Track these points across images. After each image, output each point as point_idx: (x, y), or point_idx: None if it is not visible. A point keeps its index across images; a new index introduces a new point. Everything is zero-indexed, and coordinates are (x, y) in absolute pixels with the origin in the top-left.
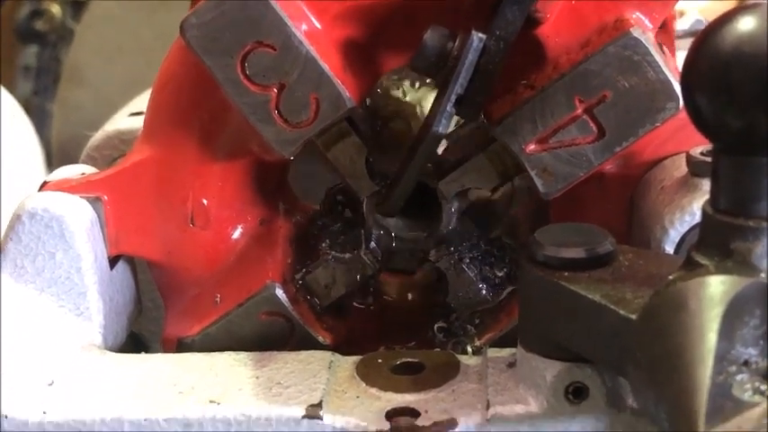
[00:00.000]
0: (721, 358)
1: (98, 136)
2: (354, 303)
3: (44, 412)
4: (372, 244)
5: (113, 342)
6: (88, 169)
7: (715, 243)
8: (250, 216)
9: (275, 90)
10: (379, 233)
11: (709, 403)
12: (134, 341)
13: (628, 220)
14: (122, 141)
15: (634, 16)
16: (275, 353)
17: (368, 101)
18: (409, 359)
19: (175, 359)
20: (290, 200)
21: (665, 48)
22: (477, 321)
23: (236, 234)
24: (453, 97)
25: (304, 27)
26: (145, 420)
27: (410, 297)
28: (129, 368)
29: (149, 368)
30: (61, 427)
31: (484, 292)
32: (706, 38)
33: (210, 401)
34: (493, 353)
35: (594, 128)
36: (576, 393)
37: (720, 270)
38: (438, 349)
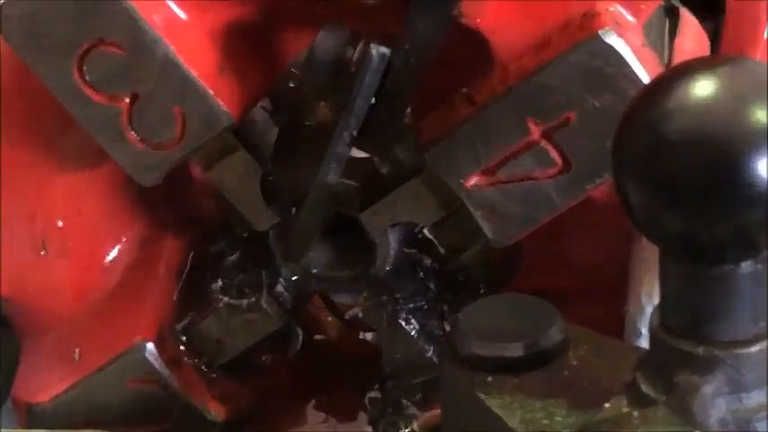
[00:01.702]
0: None
1: None
2: (261, 360)
3: None
4: (280, 287)
5: None
6: None
7: (660, 368)
8: (126, 236)
9: (127, 101)
10: (290, 272)
11: None
12: None
13: (628, 256)
14: None
15: (611, 9)
16: None
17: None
18: None
19: None
20: (189, 209)
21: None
22: (417, 395)
23: (109, 259)
24: (346, 135)
25: (161, 18)
26: None
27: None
28: None
29: None
30: None
31: (429, 354)
32: (644, 101)
33: None
34: None
35: (557, 158)
36: None
37: (647, 422)
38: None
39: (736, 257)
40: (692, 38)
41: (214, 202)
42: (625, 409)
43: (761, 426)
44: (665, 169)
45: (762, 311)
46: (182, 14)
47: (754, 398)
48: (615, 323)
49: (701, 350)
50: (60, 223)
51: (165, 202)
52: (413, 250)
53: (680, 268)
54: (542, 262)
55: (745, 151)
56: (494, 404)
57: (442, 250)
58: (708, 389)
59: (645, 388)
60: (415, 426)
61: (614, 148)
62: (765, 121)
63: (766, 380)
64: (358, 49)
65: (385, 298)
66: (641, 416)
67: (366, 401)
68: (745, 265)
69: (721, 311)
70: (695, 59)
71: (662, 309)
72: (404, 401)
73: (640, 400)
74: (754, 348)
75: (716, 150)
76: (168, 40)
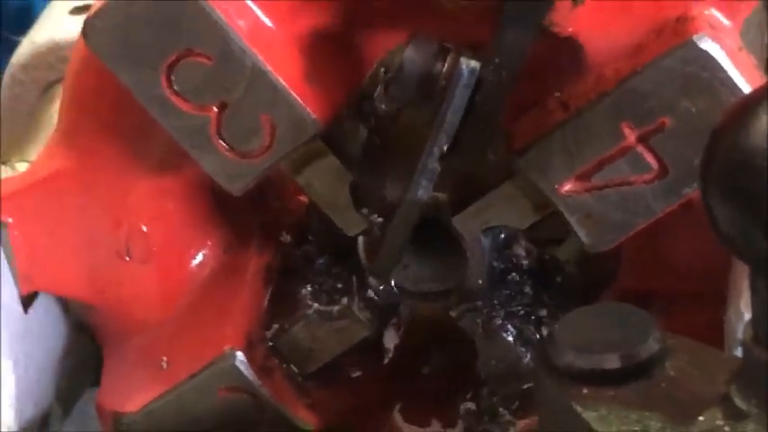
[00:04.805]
0: None
1: (25, 48)
2: (351, 368)
3: None
4: (371, 292)
5: (35, 410)
6: None
7: (754, 383)
8: (211, 240)
9: (215, 110)
10: (378, 286)
11: None
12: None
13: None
14: (60, 59)
15: (705, 12)
16: None
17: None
18: None
19: None
20: (274, 214)
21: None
22: (515, 403)
23: (195, 263)
24: (437, 151)
25: (248, 27)
26: None
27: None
28: None
29: None
30: None
31: (526, 361)
32: (730, 122)
33: None
34: None
35: (653, 163)
36: None
37: None
38: None
39: None
40: None
41: (302, 204)
42: (719, 422)
43: None
44: (749, 188)
45: None
46: (268, 23)
47: None
48: (719, 330)
49: None
50: (145, 228)
51: (251, 205)
52: (508, 253)
53: None
54: (643, 264)
55: None
56: (590, 416)
57: (535, 252)
58: None
59: (738, 401)
60: None
61: (702, 164)
62: None
63: None
64: (447, 62)
65: (480, 303)
66: (732, 429)
67: (460, 411)
68: None
69: None
70: None
71: (754, 323)
72: (500, 409)
73: (734, 414)
74: None
75: None
76: (256, 48)
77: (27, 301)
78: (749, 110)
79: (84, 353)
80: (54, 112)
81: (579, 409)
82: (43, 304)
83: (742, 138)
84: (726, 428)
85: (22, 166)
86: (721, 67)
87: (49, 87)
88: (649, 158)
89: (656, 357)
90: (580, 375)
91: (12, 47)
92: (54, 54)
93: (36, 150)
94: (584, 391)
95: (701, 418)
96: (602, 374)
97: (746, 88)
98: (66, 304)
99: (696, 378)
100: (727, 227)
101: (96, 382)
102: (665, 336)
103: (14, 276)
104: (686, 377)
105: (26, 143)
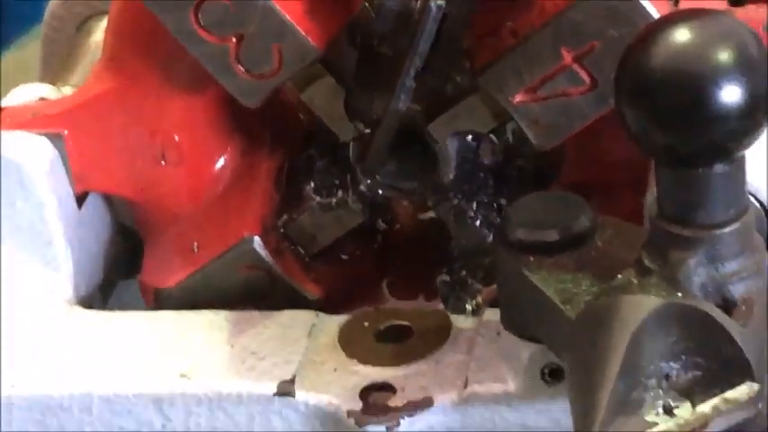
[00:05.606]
0: (631, 374)
1: None
2: (349, 248)
3: (13, 386)
4: (363, 187)
5: (87, 288)
6: (47, 90)
7: (657, 247)
8: (231, 147)
9: (234, 40)
10: (367, 183)
11: (606, 419)
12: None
13: None
14: None
15: None
16: (255, 313)
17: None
18: (398, 322)
19: (149, 320)
20: (282, 123)
21: None
22: (480, 274)
23: (218, 166)
24: (412, 71)
25: None
26: (114, 396)
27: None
28: (98, 330)
29: (120, 330)
30: (29, 402)
31: (489, 239)
32: (636, 44)
33: (181, 375)
34: (489, 315)
35: (586, 78)
36: (553, 374)
37: (643, 287)
38: (441, 308)
39: (708, 162)
40: None
41: (304, 117)
42: (632, 278)
43: (733, 288)
44: (650, 99)
45: (732, 201)
46: None
47: (728, 267)
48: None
49: (686, 232)
50: (177, 137)
51: (262, 118)
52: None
53: (667, 172)
54: (582, 159)
55: (709, 84)
56: (534, 278)
57: (496, 152)
58: (691, 261)
59: (647, 262)
60: (478, 299)
61: (615, 81)
62: (725, 60)
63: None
64: (419, 1)
65: (451, 195)
66: (639, 283)
67: (437, 283)
68: (717, 167)
69: (701, 203)
70: (675, 12)
71: (657, 201)
72: (469, 280)
73: (643, 272)
74: (727, 229)
75: (688, 84)
76: None
77: (80, 199)
78: (652, 35)
79: (120, 248)
80: (91, 42)
81: (526, 272)
82: (92, 203)
83: (645, 57)
84: (636, 282)
85: (66, 89)
86: (638, 2)
87: (84, 21)
88: (583, 75)
89: (587, 232)
90: (527, 247)
91: None
92: None
93: (75, 76)
94: (531, 259)
95: (619, 276)
96: (544, 245)
97: (657, 17)
98: (109, 206)
99: (618, 247)
100: (634, 127)
101: (128, 275)
102: (595, 215)
103: (70, 178)
104: (611, 247)
105: (66, 70)
